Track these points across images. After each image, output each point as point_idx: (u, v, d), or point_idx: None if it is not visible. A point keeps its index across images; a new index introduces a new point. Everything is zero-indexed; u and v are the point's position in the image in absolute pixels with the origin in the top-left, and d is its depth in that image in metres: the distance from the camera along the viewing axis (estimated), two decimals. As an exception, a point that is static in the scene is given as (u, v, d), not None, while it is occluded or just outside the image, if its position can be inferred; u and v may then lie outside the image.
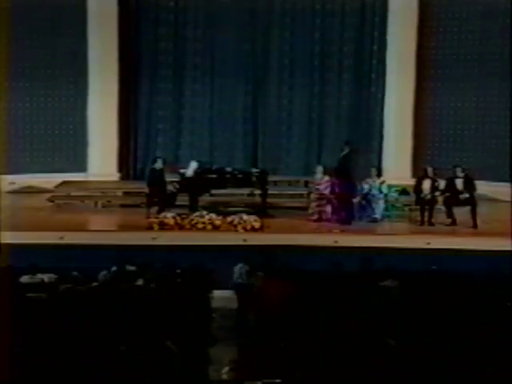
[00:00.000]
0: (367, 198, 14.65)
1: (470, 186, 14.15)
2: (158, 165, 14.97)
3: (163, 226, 13.54)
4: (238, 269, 11.07)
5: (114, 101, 18.12)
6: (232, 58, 18.34)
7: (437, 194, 14.29)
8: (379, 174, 15.79)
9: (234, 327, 10.36)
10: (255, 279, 10.43)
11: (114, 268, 10.66)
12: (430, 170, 14.63)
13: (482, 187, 14.91)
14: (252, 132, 18.60)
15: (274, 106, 18.58)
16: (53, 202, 16.13)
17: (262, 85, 18.51)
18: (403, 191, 15.83)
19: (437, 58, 18.00)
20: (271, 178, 16.10)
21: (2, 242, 11.16)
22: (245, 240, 13.04)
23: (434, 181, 14.46)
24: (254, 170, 15.62)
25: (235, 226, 13.60)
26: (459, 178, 14.25)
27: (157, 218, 13.75)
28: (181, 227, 13.59)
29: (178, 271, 10.57)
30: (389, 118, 18.30)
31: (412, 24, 17.91)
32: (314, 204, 14.67)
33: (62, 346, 6.82)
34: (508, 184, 16.31)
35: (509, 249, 11.98)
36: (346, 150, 14.95)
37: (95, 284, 9.66)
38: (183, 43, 18.40)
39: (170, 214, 13.79)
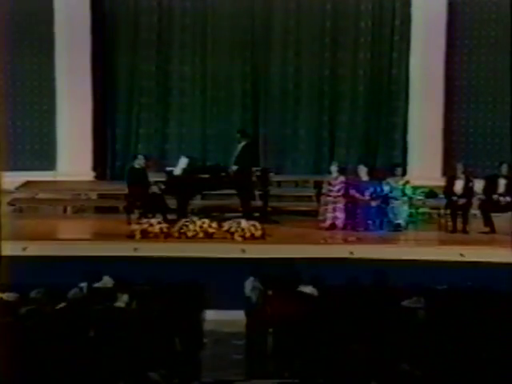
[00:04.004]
0: (388, 201, 14.65)
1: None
2: (139, 162, 15.01)
3: (146, 235, 13.55)
4: (249, 283, 11.06)
5: (87, 84, 18.05)
6: (227, 35, 18.33)
7: (472, 196, 14.30)
8: (402, 173, 15.77)
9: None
10: (263, 296, 10.52)
11: (86, 285, 10.66)
12: (462, 168, 14.62)
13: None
14: (252, 122, 18.57)
15: (278, 92, 18.54)
16: (14, 205, 16.13)
17: (263, 66, 18.48)
18: (431, 193, 15.82)
19: (471, 33, 17.88)
20: (274, 178, 16.09)
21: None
22: (243, 250, 13.05)
23: (468, 181, 14.45)
24: (255, 167, 15.61)
25: (232, 233, 13.61)
26: (502, 177, 14.24)
27: (139, 224, 13.75)
28: (167, 236, 13.61)
29: (164, 288, 10.57)
30: (414, 107, 18.25)
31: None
32: (325, 208, 14.67)
33: (25, 378, 6.83)
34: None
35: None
36: (243, 142, 15.14)
37: (63, 304, 9.64)
38: (169, 16, 18.39)
39: (154, 220, 13.80)
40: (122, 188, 15.44)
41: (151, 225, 13.68)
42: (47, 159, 18.13)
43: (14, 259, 12.17)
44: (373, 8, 18.29)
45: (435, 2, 17.75)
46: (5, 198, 15.70)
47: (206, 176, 15.07)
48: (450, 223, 14.45)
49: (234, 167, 15.05)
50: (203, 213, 15.01)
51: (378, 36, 18.39)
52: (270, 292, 10.47)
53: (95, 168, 18.34)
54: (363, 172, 14.94)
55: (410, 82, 18.24)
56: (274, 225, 14.64)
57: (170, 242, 13.50)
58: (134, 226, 13.77)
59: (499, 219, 14.22)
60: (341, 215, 14.59)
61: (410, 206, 14.95)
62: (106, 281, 10.93)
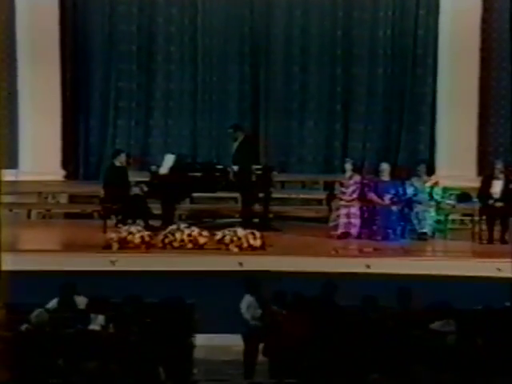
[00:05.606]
0: (412, 206, 14.67)
1: None
2: (121, 159, 15.07)
3: (125, 245, 13.57)
4: (245, 302, 11.08)
5: (55, 64, 18.02)
6: (222, 8, 18.31)
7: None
8: (430, 172, 15.79)
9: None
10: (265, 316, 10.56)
11: (53, 304, 10.66)
12: (502, 167, 14.64)
13: None
14: (251, 112, 18.60)
15: (281, 76, 18.55)
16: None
17: (263, 46, 18.47)
18: (464, 196, 15.84)
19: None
20: (278, 178, 16.11)
21: None
22: (240, 264, 13.07)
23: (508, 182, 14.47)
24: (254, 165, 15.64)
25: (227, 244, 13.63)
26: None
27: (117, 232, 13.78)
28: (150, 246, 13.64)
29: (146, 308, 10.58)
30: (443, 93, 18.23)
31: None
32: (337, 213, 14.69)
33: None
34: None
35: None
36: (240, 138, 15.39)
37: (26, 327, 9.65)
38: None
39: (134, 228, 13.83)
40: (97, 189, 15.46)
41: (131, 233, 13.68)
42: (7, 155, 18.10)
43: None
44: None
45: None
46: None
47: (197, 175, 15.10)
48: (485, 232, 14.48)
49: (235, 167, 15.06)
50: (192, 219, 15.03)
51: (401, 9, 18.37)
52: (284, 312, 10.50)
53: (65, 165, 18.34)
54: (386, 171, 14.94)
55: (439, 64, 18.20)
56: (276, 233, 14.67)
57: (153, 253, 13.52)
58: (111, 235, 13.78)
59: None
60: (356, 222, 14.61)
61: (438, 211, 14.95)
62: (78, 300, 10.93)
